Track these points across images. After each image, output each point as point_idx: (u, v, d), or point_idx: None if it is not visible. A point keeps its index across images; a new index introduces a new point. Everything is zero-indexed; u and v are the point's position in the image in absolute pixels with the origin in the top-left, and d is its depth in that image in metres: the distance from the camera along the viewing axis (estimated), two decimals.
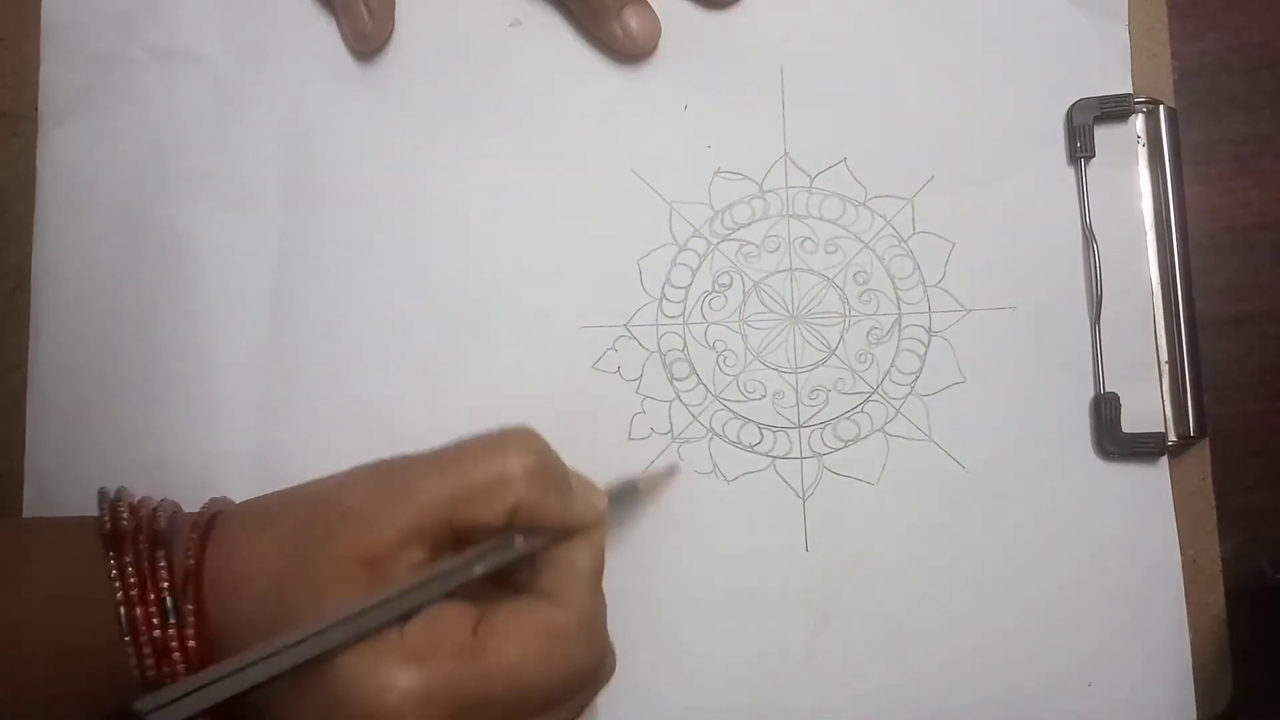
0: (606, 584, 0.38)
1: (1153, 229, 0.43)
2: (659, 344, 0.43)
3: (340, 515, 0.33)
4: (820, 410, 0.42)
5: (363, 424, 0.42)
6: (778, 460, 0.42)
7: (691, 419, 0.42)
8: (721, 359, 0.43)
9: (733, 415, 0.42)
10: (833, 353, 0.43)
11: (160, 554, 0.33)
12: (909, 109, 0.44)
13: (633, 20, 0.43)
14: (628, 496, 0.39)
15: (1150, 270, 0.43)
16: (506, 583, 0.35)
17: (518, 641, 0.32)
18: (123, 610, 0.32)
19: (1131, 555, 0.41)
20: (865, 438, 0.42)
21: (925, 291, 0.43)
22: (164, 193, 0.44)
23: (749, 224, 0.43)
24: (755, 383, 0.43)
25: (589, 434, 0.42)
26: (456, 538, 0.34)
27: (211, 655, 0.32)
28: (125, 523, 0.34)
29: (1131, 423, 0.41)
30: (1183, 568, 0.41)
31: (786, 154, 0.43)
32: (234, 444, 0.42)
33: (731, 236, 0.43)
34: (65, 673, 0.32)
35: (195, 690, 0.28)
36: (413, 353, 0.43)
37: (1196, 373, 0.42)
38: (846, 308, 0.43)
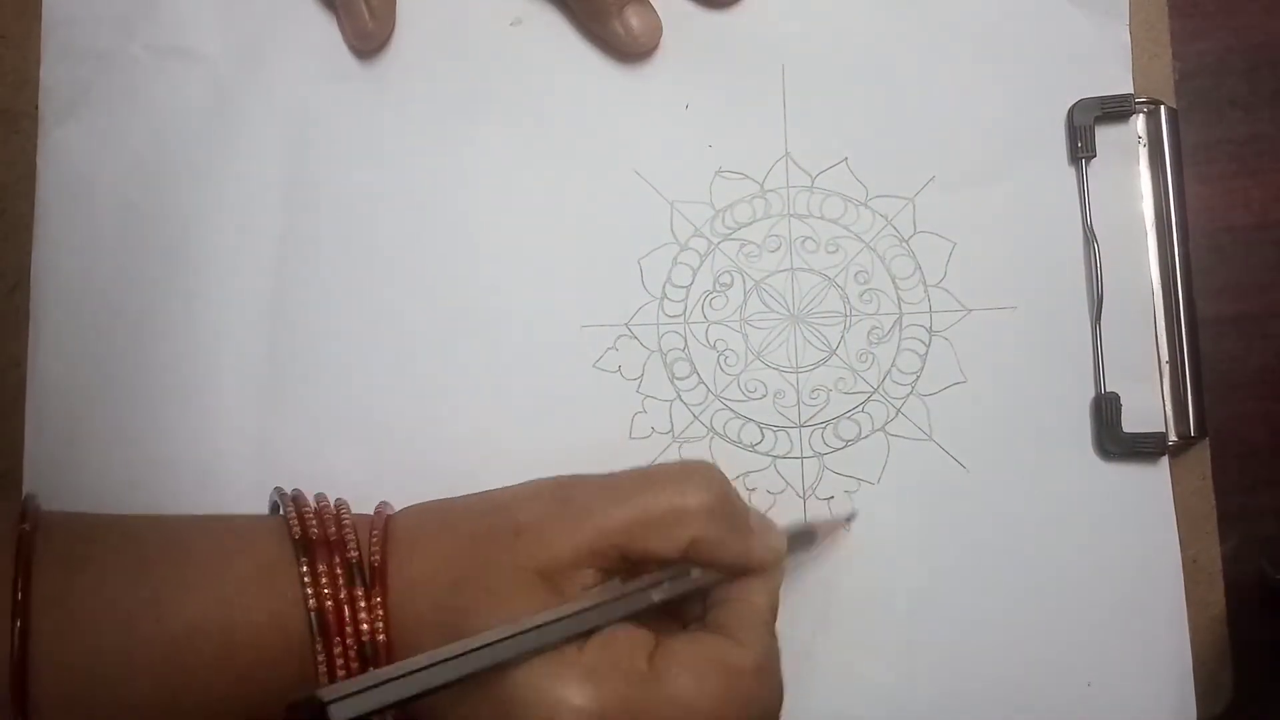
0: None
1: (1153, 229, 0.43)
2: (660, 343, 0.43)
3: (516, 529, 0.33)
4: (821, 410, 0.42)
5: (362, 423, 0.42)
6: (778, 460, 0.42)
7: (692, 418, 0.42)
8: (722, 358, 0.43)
9: (734, 415, 0.42)
10: (834, 352, 0.43)
11: (354, 563, 0.33)
12: (910, 109, 0.44)
13: (634, 19, 0.43)
14: (804, 541, 0.39)
15: (1151, 270, 0.43)
16: (675, 615, 0.36)
17: (694, 675, 0.32)
18: (314, 615, 0.32)
19: (1132, 555, 0.41)
20: (866, 437, 0.42)
21: (926, 291, 0.43)
22: (164, 191, 0.43)
23: (750, 223, 0.43)
24: (756, 382, 0.43)
25: (589, 433, 0.42)
26: (628, 565, 0.34)
27: (390, 655, 0.33)
28: (314, 531, 0.34)
29: (1132, 422, 0.41)
30: (1183, 567, 0.41)
31: (788, 153, 0.43)
32: (233, 442, 0.42)
33: (733, 236, 0.43)
34: (246, 672, 0.33)
35: (379, 685, 0.29)
36: (413, 352, 0.43)
37: (1197, 372, 0.42)
38: (847, 307, 0.43)
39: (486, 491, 0.36)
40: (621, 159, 0.43)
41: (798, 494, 0.42)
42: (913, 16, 0.44)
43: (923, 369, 0.43)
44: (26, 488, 0.42)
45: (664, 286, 0.43)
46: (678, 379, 0.43)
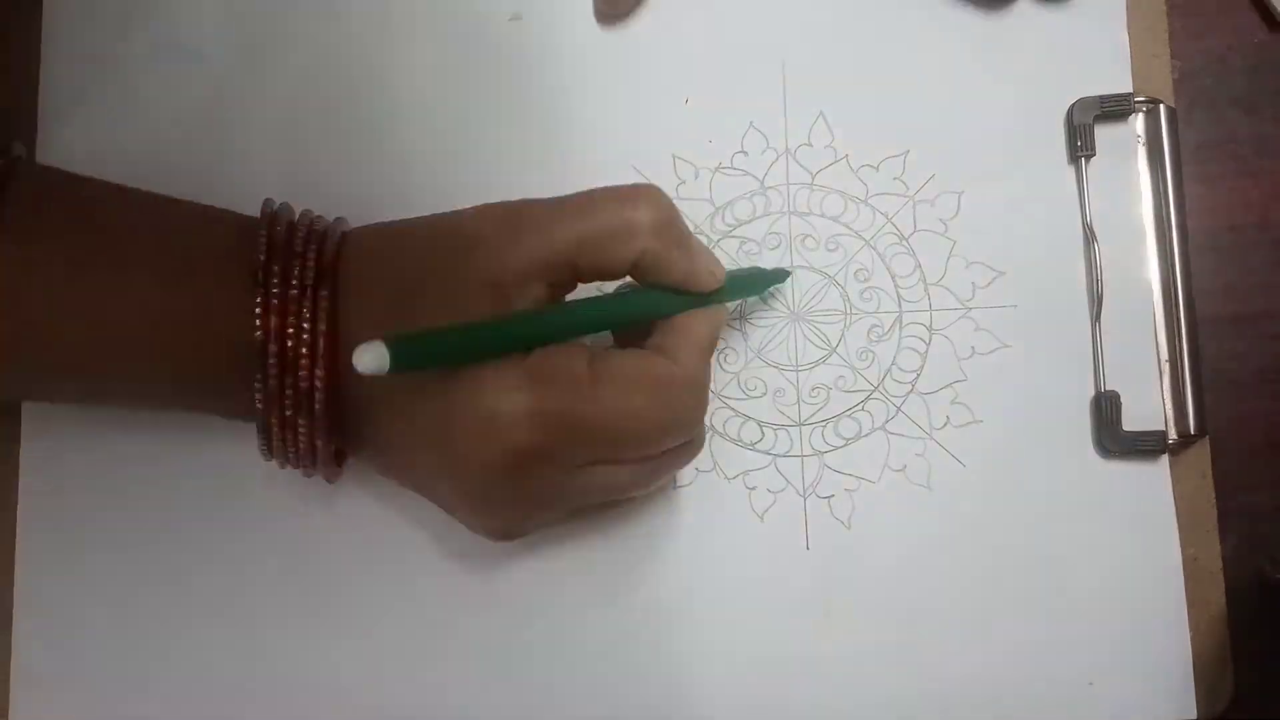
0: (617, 581, 0.40)
1: (1153, 228, 0.43)
2: None
3: (469, 242, 0.34)
4: (821, 408, 0.42)
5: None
6: (778, 458, 0.42)
7: None
8: (722, 356, 0.43)
9: (733, 413, 0.42)
10: (834, 350, 0.43)
11: (310, 258, 0.35)
12: (910, 107, 0.44)
13: None
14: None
15: (1150, 269, 0.43)
16: (623, 340, 0.37)
17: (629, 382, 0.34)
18: (258, 319, 0.34)
19: (1132, 554, 0.41)
20: (866, 435, 0.42)
21: (926, 289, 0.43)
22: (163, 190, 0.43)
23: (750, 221, 0.43)
24: (756, 380, 0.43)
25: None
26: (578, 282, 0.35)
27: (333, 353, 0.34)
28: (281, 234, 0.35)
29: (1132, 421, 0.41)
30: (1183, 566, 0.41)
31: (788, 150, 0.44)
32: (228, 440, 0.42)
33: (732, 233, 0.43)
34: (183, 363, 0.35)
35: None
36: None
37: (1197, 371, 0.42)
38: (847, 305, 0.43)
39: (438, 214, 0.36)
40: (621, 155, 0.43)
41: (798, 492, 0.42)
42: (913, 15, 0.44)
43: (923, 367, 0.42)
44: (21, 485, 0.42)
45: None
46: None
